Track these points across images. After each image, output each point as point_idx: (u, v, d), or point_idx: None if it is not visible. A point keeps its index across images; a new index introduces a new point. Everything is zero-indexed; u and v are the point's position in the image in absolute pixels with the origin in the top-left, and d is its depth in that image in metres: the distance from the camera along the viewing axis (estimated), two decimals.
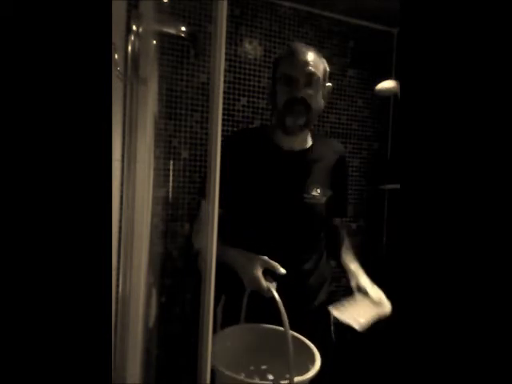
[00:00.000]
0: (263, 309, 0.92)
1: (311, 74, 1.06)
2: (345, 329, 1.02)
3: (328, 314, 1.07)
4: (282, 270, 0.96)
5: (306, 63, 1.06)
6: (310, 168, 1.14)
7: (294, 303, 0.89)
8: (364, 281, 1.08)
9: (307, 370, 0.79)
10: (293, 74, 1.06)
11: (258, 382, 0.86)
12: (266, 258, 0.97)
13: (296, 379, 0.75)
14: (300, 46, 1.10)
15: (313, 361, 0.82)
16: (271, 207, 1.10)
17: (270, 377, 0.92)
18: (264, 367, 0.94)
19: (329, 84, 1.14)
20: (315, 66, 1.07)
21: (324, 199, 1.13)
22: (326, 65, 1.13)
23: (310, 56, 1.07)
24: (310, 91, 1.06)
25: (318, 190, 1.12)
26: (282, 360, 0.79)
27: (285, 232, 1.10)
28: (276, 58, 1.18)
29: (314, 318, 1.14)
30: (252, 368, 0.93)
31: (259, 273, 0.95)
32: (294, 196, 1.10)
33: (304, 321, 0.98)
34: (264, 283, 0.93)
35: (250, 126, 1.79)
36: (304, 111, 1.07)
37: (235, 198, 1.08)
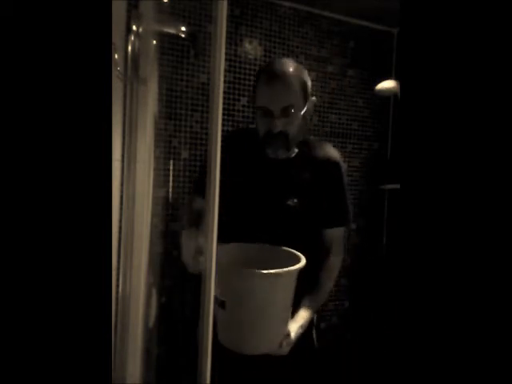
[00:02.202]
0: None
1: (287, 107, 1.03)
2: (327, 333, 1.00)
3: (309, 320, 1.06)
4: None
5: (281, 96, 1.02)
6: (291, 178, 1.11)
7: None
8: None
9: None
10: (269, 107, 1.03)
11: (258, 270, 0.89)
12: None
13: (287, 269, 0.91)
14: (276, 71, 1.04)
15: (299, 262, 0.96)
16: (245, 213, 1.10)
17: None
18: None
19: (313, 98, 1.11)
20: (292, 94, 1.03)
21: (301, 209, 1.09)
22: (308, 80, 1.09)
23: (286, 82, 1.03)
24: (287, 120, 1.04)
25: (295, 200, 1.09)
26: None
27: (258, 240, 1.06)
28: (258, 72, 1.13)
29: None
30: None
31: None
32: (269, 205, 1.09)
33: None
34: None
35: (251, 126, 1.79)
36: (283, 143, 1.06)
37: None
